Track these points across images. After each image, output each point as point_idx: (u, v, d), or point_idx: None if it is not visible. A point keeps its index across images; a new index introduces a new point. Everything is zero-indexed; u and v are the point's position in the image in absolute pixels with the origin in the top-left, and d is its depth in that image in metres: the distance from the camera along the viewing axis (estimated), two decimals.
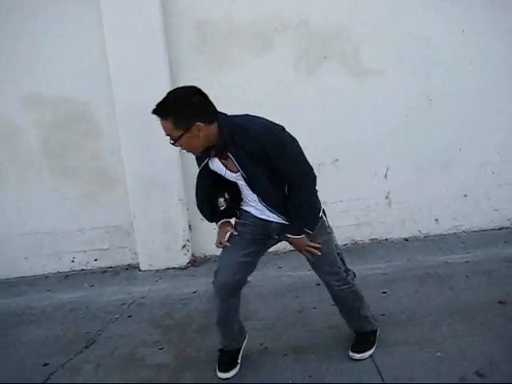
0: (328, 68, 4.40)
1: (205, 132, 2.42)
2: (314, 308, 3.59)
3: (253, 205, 2.71)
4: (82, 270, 4.73)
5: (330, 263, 2.81)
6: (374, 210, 4.65)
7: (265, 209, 2.67)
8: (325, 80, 4.40)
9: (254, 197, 2.64)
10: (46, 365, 3.21)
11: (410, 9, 4.34)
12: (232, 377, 2.89)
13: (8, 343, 3.55)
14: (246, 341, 3.04)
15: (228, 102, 4.31)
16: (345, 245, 4.65)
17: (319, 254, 2.70)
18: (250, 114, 2.53)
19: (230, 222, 2.79)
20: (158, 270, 4.52)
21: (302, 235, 2.67)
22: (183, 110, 2.38)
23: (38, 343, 3.50)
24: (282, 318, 3.49)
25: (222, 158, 2.54)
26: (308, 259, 2.83)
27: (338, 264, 2.83)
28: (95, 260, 4.73)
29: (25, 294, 4.37)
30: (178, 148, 2.47)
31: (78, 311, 3.93)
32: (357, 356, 2.94)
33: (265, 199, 2.63)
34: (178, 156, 4.37)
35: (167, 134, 2.42)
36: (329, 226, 2.82)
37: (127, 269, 4.70)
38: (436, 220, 4.70)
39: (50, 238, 4.68)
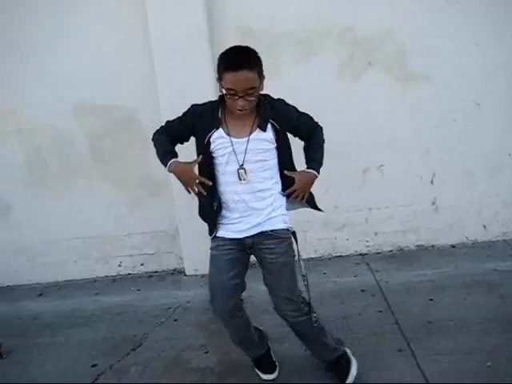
0: (373, 74, 4.37)
1: (262, 90, 2.51)
2: (359, 314, 3.56)
3: (230, 199, 2.58)
4: (129, 274, 4.81)
5: (288, 288, 2.67)
6: (421, 215, 4.58)
7: (244, 207, 2.56)
8: (370, 86, 4.36)
9: (242, 185, 2.54)
10: (94, 366, 3.28)
11: (455, 12, 4.27)
12: (276, 378, 2.92)
13: (58, 344, 3.64)
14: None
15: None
16: (390, 251, 4.60)
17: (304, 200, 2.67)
18: None
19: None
20: (202, 275, 4.53)
21: (317, 174, 2.64)
22: (260, 63, 2.46)
23: (86, 345, 3.58)
24: (326, 325, 3.46)
25: (260, 126, 2.50)
26: (266, 279, 2.70)
27: (296, 292, 2.68)
28: (141, 264, 4.80)
29: (74, 296, 4.47)
30: (241, 106, 2.40)
31: (125, 314, 4.00)
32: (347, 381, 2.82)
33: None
34: None
35: (249, 88, 2.35)
36: (297, 253, 2.70)
37: (173, 273, 4.75)
38: (484, 226, 4.60)
39: (98, 242, 4.78)
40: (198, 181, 2.48)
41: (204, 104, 2.64)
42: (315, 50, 4.35)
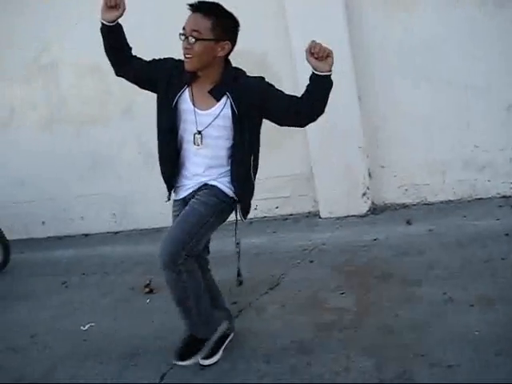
0: None
1: (222, 55, 2.47)
2: (503, 259, 3.39)
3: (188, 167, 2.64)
4: (265, 217, 4.92)
5: (178, 233, 2.54)
6: None
7: (195, 172, 2.62)
8: None
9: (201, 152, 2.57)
10: (234, 303, 3.44)
11: None
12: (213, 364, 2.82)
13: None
14: (218, 334, 2.86)
15: (409, 42, 4.19)
16: None
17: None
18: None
19: None
20: (338, 218, 4.55)
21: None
22: (226, 21, 2.45)
23: (226, 283, 3.74)
24: (466, 268, 3.35)
25: (214, 95, 2.48)
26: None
27: (183, 244, 2.50)
28: (276, 208, 4.88)
29: (214, 238, 4.64)
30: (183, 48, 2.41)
31: (262, 255, 4.13)
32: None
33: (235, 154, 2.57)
34: (357, 102, 4.33)
35: (194, 30, 2.37)
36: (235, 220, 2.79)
37: (307, 216, 4.79)
38: None
39: None
40: None
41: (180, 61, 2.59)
42: None
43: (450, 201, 4.44)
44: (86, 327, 3.53)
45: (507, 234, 3.69)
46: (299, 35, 4.19)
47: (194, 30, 2.38)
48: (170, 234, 2.56)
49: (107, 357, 3.16)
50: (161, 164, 2.71)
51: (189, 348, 2.80)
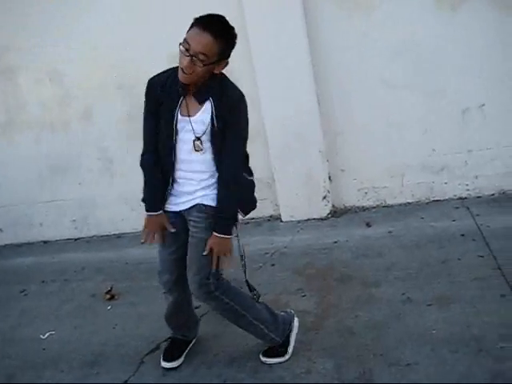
0: (474, 3, 4.11)
1: (217, 72, 2.41)
2: (459, 259, 3.48)
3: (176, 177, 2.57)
4: None
5: (198, 269, 2.58)
6: None
7: (184, 185, 2.57)
8: (470, 17, 4.11)
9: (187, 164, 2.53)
10: (197, 307, 3.38)
11: None
12: (176, 367, 2.89)
13: None
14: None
15: (367, 47, 4.26)
16: (492, 195, 4.39)
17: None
18: None
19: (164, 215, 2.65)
20: (299, 221, 4.59)
21: (227, 237, 2.55)
22: (232, 43, 2.39)
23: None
24: (424, 269, 3.43)
25: (198, 99, 2.44)
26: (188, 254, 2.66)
27: (205, 275, 2.56)
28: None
29: None
30: (184, 65, 2.30)
31: None
32: (263, 359, 2.80)
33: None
34: (317, 107, 4.37)
35: (202, 53, 2.25)
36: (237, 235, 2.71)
37: (269, 220, 4.82)
38: None
39: None
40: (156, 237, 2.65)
41: (162, 73, 2.56)
42: None
43: (408, 203, 4.53)
44: (46, 335, 3.49)
45: (463, 235, 3.79)
46: (258, 41, 4.25)
47: (202, 53, 2.26)
48: (192, 271, 2.60)
49: (68, 365, 3.13)
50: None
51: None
